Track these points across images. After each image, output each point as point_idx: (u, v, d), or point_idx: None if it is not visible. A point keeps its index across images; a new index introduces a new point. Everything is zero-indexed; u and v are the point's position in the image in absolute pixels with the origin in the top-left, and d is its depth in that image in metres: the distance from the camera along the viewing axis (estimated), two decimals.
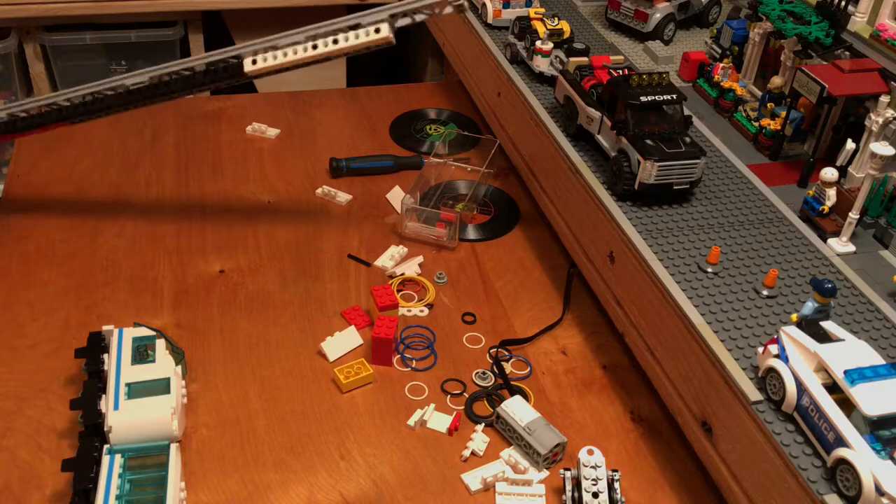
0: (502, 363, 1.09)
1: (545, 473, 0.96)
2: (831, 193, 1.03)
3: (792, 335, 0.80)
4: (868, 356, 0.78)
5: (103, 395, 0.93)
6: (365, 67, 2.25)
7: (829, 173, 1.02)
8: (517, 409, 0.99)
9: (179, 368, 0.97)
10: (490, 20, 1.43)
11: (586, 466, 0.91)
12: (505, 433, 1.00)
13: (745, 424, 0.81)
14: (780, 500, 0.77)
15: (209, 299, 1.16)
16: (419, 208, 1.29)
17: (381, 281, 1.21)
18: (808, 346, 0.78)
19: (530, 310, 1.19)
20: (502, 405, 1.00)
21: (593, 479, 0.90)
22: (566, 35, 1.32)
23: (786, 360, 0.79)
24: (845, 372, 0.74)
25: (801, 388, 0.77)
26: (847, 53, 1.14)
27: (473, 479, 0.94)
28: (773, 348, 0.81)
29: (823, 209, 1.03)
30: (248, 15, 1.96)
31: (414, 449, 0.98)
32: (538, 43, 1.28)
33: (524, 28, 1.32)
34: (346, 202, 1.36)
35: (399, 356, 1.10)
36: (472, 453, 0.98)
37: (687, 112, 1.08)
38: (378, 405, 1.03)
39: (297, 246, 1.27)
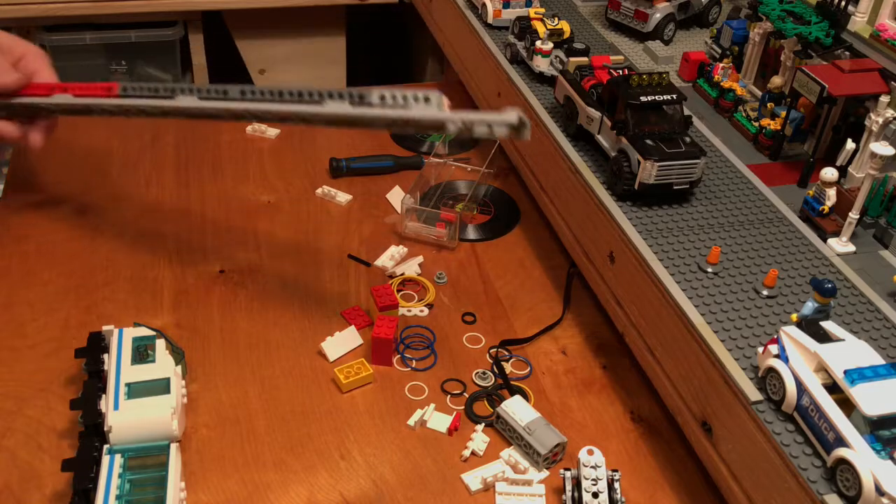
0: (502, 363, 1.09)
1: (545, 473, 0.96)
2: (831, 193, 1.03)
3: (792, 335, 0.80)
4: (868, 356, 0.78)
5: (103, 395, 0.93)
6: (365, 67, 2.25)
7: (829, 173, 1.02)
8: (517, 409, 0.99)
9: (179, 368, 0.97)
10: (490, 20, 1.43)
11: (586, 466, 0.91)
12: (505, 433, 1.00)
13: (745, 424, 0.81)
14: (780, 500, 0.77)
15: (209, 299, 1.16)
16: (419, 208, 1.29)
17: (381, 281, 1.21)
18: (808, 346, 0.79)
19: (530, 310, 1.19)
20: (502, 405, 1.00)
21: (593, 479, 0.90)
22: (566, 35, 1.32)
23: (786, 360, 0.79)
24: (845, 372, 0.74)
25: (801, 388, 0.77)
26: (847, 53, 1.14)
27: (473, 479, 0.94)
28: (773, 348, 0.81)
29: (823, 209, 1.03)
30: (248, 15, 1.96)
31: (414, 449, 0.98)
32: (538, 43, 1.28)
33: (524, 28, 1.32)
34: (346, 202, 1.37)
35: (399, 356, 1.10)
36: (472, 453, 0.98)
37: (687, 112, 1.08)
38: (378, 405, 1.03)
39: (297, 246, 1.27)
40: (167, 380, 0.94)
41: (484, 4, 1.44)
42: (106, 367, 0.96)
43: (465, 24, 1.48)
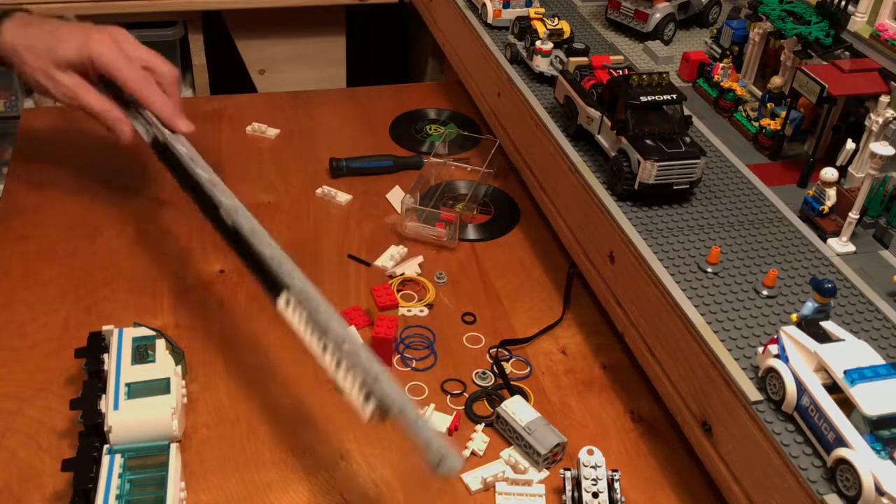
0: (502, 363, 1.09)
1: (545, 473, 0.96)
2: (831, 193, 1.03)
3: (792, 335, 0.80)
4: (868, 356, 0.78)
5: (103, 395, 0.93)
6: (365, 67, 2.25)
7: (829, 173, 1.02)
8: (517, 409, 0.99)
9: (179, 368, 0.98)
10: (490, 20, 1.43)
11: (586, 466, 0.91)
12: (505, 433, 1.00)
13: (745, 424, 0.81)
14: (780, 500, 0.77)
15: (209, 299, 1.16)
16: (419, 208, 1.29)
17: (381, 281, 1.21)
18: (808, 346, 0.78)
19: (530, 310, 1.19)
20: (502, 405, 1.00)
21: (593, 479, 0.90)
22: (566, 35, 1.32)
23: (786, 360, 0.79)
24: (845, 372, 0.74)
25: (801, 388, 0.77)
26: (847, 53, 1.14)
27: (473, 479, 0.94)
28: (773, 348, 0.81)
29: (823, 209, 1.03)
30: (248, 15, 1.96)
31: (414, 449, 0.98)
32: (538, 43, 1.28)
33: (524, 28, 1.32)
34: (346, 202, 1.37)
35: (399, 356, 1.10)
36: (472, 453, 0.98)
37: (687, 112, 1.08)
38: None
39: (296, 246, 1.27)
40: (167, 380, 0.94)
41: (484, 4, 1.44)
42: (106, 367, 0.96)
43: (465, 24, 1.48)
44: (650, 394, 1.05)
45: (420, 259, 1.25)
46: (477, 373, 1.08)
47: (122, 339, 0.99)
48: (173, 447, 0.89)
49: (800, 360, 0.78)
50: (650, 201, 1.06)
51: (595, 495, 0.89)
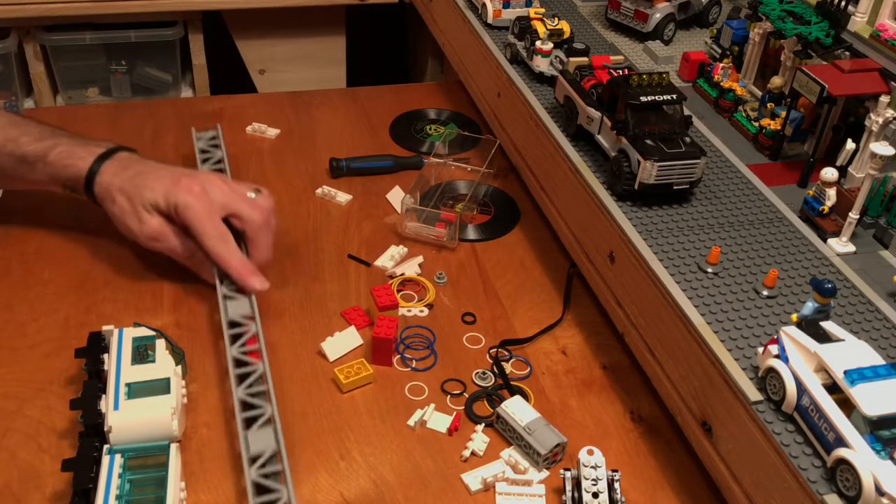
0: (502, 363, 1.09)
1: (545, 473, 0.96)
2: (831, 193, 1.03)
3: (792, 335, 0.80)
4: (868, 356, 0.78)
5: (103, 395, 0.93)
6: (365, 67, 2.26)
7: (829, 173, 1.02)
8: (517, 409, 0.99)
9: (179, 368, 0.97)
10: (490, 20, 1.43)
11: (586, 466, 0.91)
12: (505, 433, 1.00)
13: (745, 424, 0.81)
14: (780, 500, 0.77)
15: (209, 299, 1.16)
16: (419, 208, 1.29)
17: (381, 281, 1.21)
18: (808, 346, 0.78)
19: (530, 310, 1.19)
20: (502, 405, 1.00)
21: (593, 480, 0.90)
22: (566, 35, 1.32)
23: (786, 360, 0.79)
24: (845, 372, 0.74)
25: (801, 389, 0.77)
26: (847, 53, 1.14)
27: (473, 479, 0.94)
28: (773, 348, 0.81)
29: (823, 209, 1.03)
30: (248, 15, 1.96)
31: (414, 449, 0.98)
32: (538, 43, 1.28)
33: (524, 28, 1.32)
34: (346, 202, 1.37)
35: (399, 356, 1.10)
36: (472, 453, 0.98)
37: (687, 112, 1.08)
38: (378, 405, 1.03)
39: (296, 246, 1.27)
40: (167, 380, 0.94)
41: (484, 4, 1.44)
42: (106, 367, 0.96)
43: (465, 25, 1.49)
44: (650, 394, 1.05)
45: (420, 259, 1.25)
46: (477, 373, 1.08)
47: (122, 339, 0.99)
48: (173, 447, 0.89)
49: (800, 361, 0.79)
50: (650, 201, 1.06)
51: (595, 495, 0.89)
